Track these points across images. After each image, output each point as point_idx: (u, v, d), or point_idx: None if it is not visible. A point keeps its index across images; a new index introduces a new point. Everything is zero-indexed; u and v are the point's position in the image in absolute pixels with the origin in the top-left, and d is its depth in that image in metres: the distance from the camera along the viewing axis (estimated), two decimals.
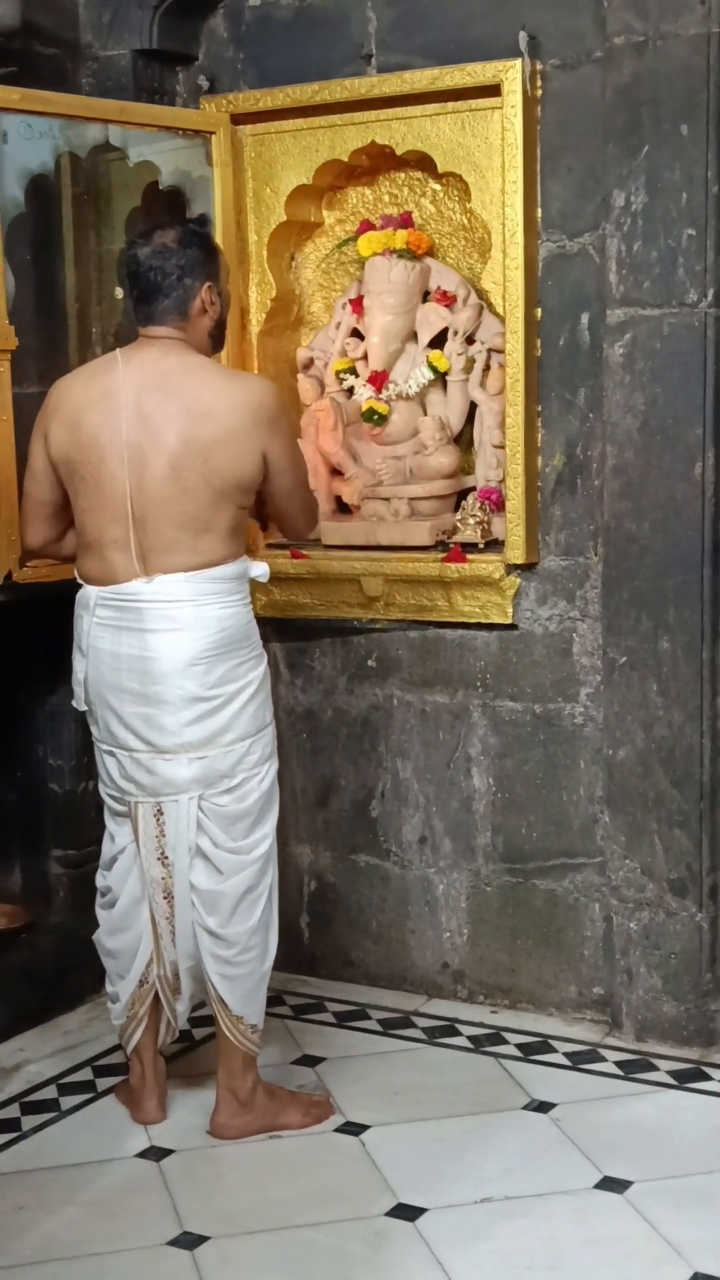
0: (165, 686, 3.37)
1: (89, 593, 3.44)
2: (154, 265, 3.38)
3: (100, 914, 3.63)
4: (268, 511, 3.64)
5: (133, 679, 3.39)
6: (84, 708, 3.52)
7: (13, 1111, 3.68)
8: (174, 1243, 3.11)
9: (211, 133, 4.15)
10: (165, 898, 3.49)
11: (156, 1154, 3.48)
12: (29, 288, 3.97)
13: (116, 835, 3.56)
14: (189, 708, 3.38)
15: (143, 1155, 3.48)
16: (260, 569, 3.52)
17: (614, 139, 3.73)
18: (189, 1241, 3.11)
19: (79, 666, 3.49)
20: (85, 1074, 3.88)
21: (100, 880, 3.64)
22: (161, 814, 3.46)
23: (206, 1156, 3.47)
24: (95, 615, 3.42)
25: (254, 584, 3.56)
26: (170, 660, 3.36)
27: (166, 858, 3.47)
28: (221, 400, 3.34)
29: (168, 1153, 3.48)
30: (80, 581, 3.48)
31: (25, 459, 3.58)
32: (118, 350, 3.46)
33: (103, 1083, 3.82)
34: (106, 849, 3.60)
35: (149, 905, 3.52)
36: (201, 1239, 3.11)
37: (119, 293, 4.13)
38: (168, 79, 4.30)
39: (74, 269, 4.16)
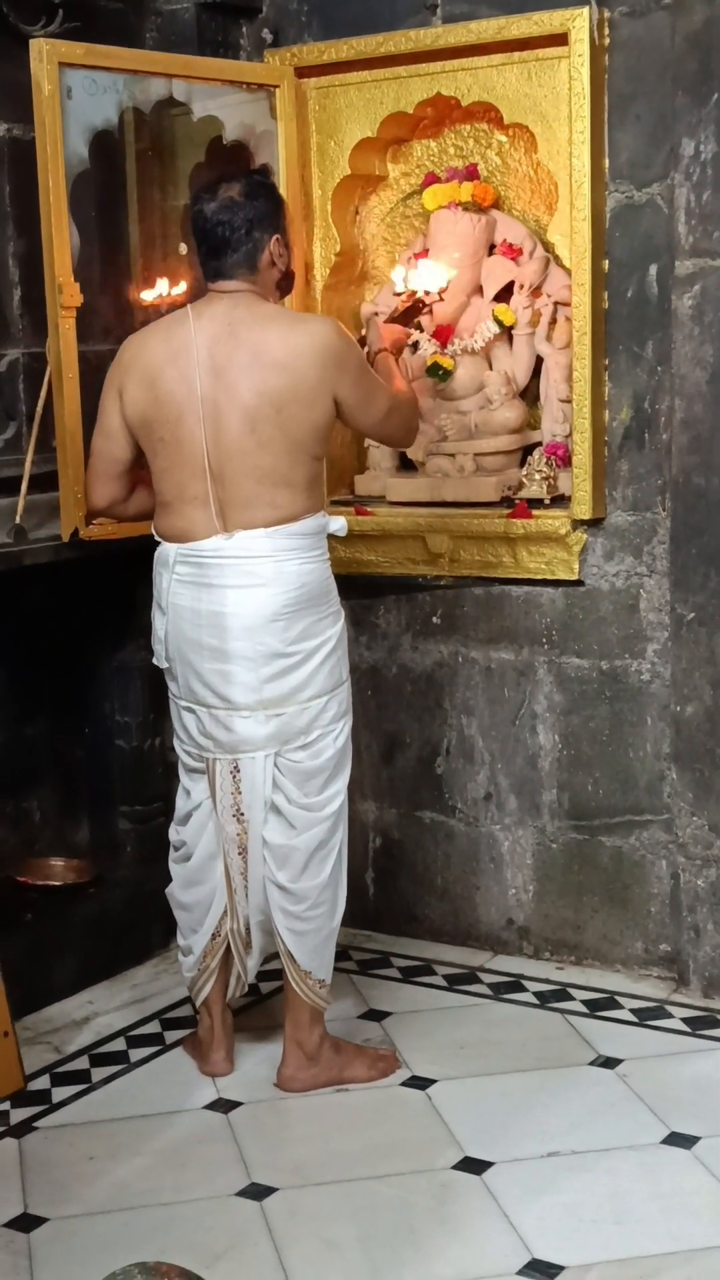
0: (245, 642, 3.37)
1: (168, 550, 3.45)
2: (222, 220, 3.36)
3: (174, 868, 3.66)
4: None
5: (212, 635, 3.40)
6: (165, 665, 3.53)
7: (82, 1063, 3.72)
8: (242, 1193, 3.14)
9: (275, 86, 4.12)
10: (240, 853, 3.51)
11: (224, 1106, 3.51)
12: (93, 244, 3.97)
13: (192, 791, 3.58)
14: (269, 664, 3.38)
15: (211, 1107, 3.51)
16: (339, 523, 3.51)
17: (684, 87, 3.68)
18: (257, 1192, 3.14)
19: (159, 624, 3.50)
20: (154, 1026, 3.92)
21: (174, 835, 3.66)
22: (238, 771, 3.47)
23: (274, 1109, 3.50)
24: (175, 573, 3.43)
25: None
26: (250, 616, 3.36)
27: (242, 814, 3.48)
28: (289, 348, 3.32)
29: (235, 1104, 3.51)
30: (159, 539, 3.49)
31: (92, 416, 3.58)
32: (188, 306, 3.45)
33: (171, 1035, 3.86)
34: (181, 804, 3.62)
35: (223, 860, 3.54)
36: (269, 1190, 3.14)
37: (183, 249, 4.12)
38: (231, 32, 4.27)
39: (138, 225, 4.16)
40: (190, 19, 4.17)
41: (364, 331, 4.06)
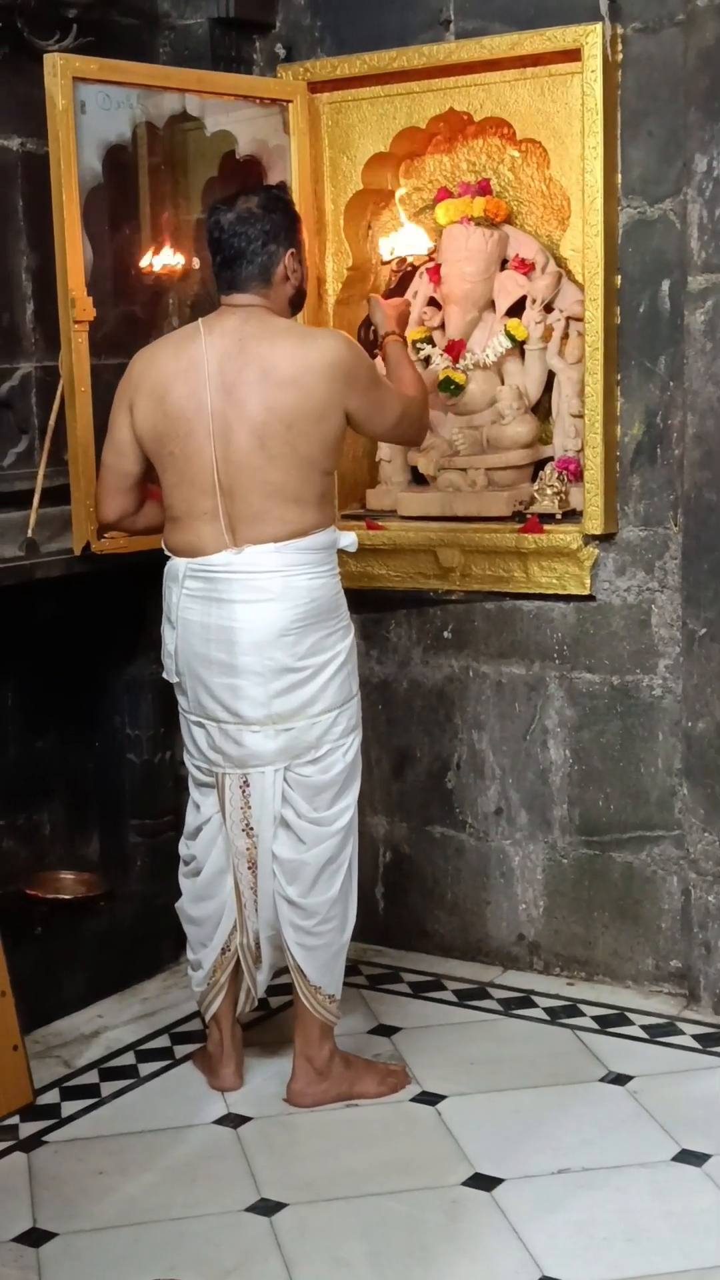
0: (255, 657, 3.37)
1: (178, 565, 3.45)
2: (238, 231, 3.37)
3: (184, 882, 3.65)
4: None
5: (222, 650, 3.40)
6: (175, 679, 3.53)
7: (92, 1078, 3.72)
8: (251, 1209, 3.13)
9: (289, 101, 4.13)
10: (250, 867, 3.51)
11: (234, 1121, 3.50)
12: (106, 259, 3.98)
13: (202, 805, 3.57)
14: (278, 678, 3.38)
15: (220, 1122, 3.50)
16: (349, 539, 3.51)
17: (696, 103, 3.68)
18: (266, 1208, 3.13)
19: (169, 638, 3.50)
20: (163, 1041, 3.91)
21: (184, 849, 3.65)
22: (248, 785, 3.47)
23: (283, 1124, 3.49)
24: (184, 587, 3.43)
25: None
26: (260, 631, 3.36)
27: (252, 829, 3.48)
28: (298, 365, 3.32)
29: (245, 1120, 3.50)
30: (168, 554, 3.49)
31: (104, 430, 3.59)
32: (199, 320, 3.45)
33: (181, 1050, 3.85)
34: (191, 819, 3.62)
35: (233, 874, 3.53)
36: (279, 1205, 3.14)
37: (196, 264, 4.13)
38: (244, 48, 4.28)
39: (151, 240, 4.17)
40: (204, 34, 4.19)
41: (369, 314, 4.01)
